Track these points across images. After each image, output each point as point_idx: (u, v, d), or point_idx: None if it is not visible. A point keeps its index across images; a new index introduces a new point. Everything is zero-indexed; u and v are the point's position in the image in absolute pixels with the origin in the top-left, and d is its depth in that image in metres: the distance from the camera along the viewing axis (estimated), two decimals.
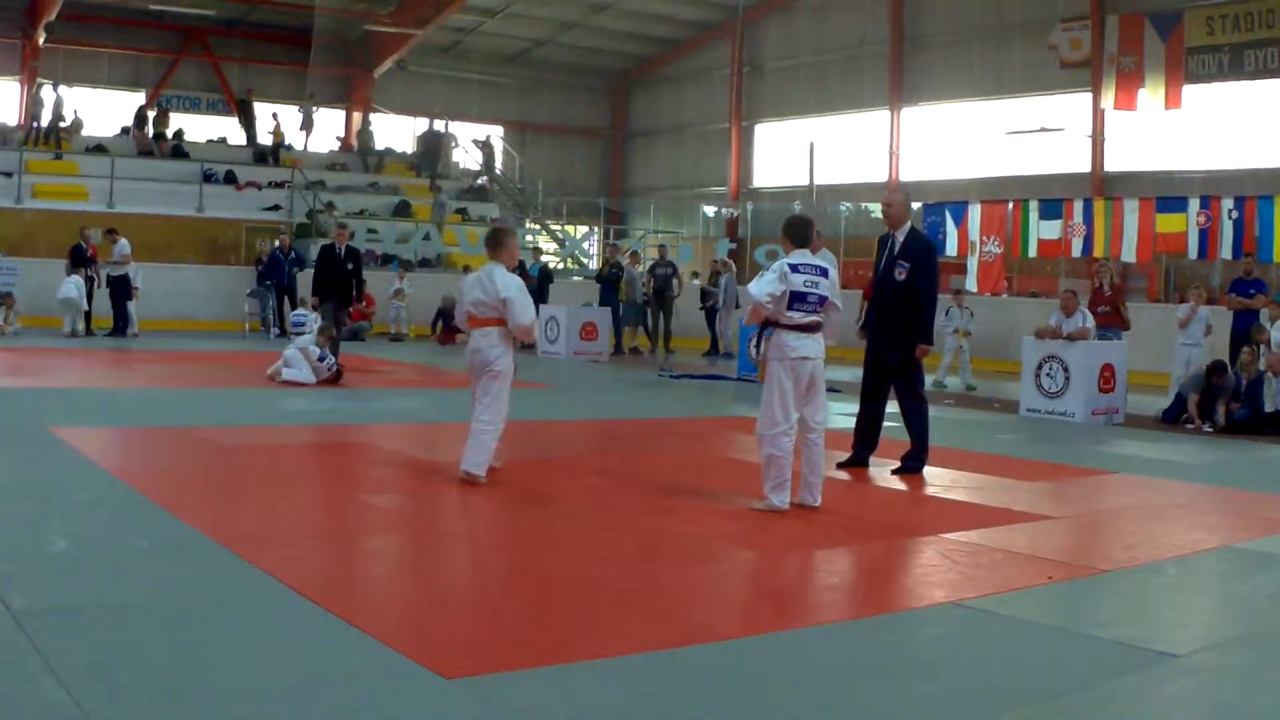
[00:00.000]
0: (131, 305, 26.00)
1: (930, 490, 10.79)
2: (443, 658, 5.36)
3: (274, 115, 39.88)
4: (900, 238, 11.15)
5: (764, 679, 5.37)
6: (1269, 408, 15.63)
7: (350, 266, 19.16)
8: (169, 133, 37.78)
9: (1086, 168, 36.56)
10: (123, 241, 25.93)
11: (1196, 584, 7.66)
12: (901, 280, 11.05)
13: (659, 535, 8.42)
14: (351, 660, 5.34)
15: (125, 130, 37.66)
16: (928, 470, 11.51)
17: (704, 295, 28.56)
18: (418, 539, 8.29)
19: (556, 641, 5.78)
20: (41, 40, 38.98)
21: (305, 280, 24.46)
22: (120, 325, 25.75)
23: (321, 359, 17.30)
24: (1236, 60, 32.64)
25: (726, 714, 4.94)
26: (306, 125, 41.17)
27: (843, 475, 11.24)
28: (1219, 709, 5.39)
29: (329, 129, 44.35)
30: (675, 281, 28.24)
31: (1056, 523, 9.44)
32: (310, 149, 41.00)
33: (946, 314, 20.06)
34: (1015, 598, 7.00)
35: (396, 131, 45.84)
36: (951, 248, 26.01)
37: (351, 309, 20.87)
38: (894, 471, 11.24)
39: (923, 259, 11.14)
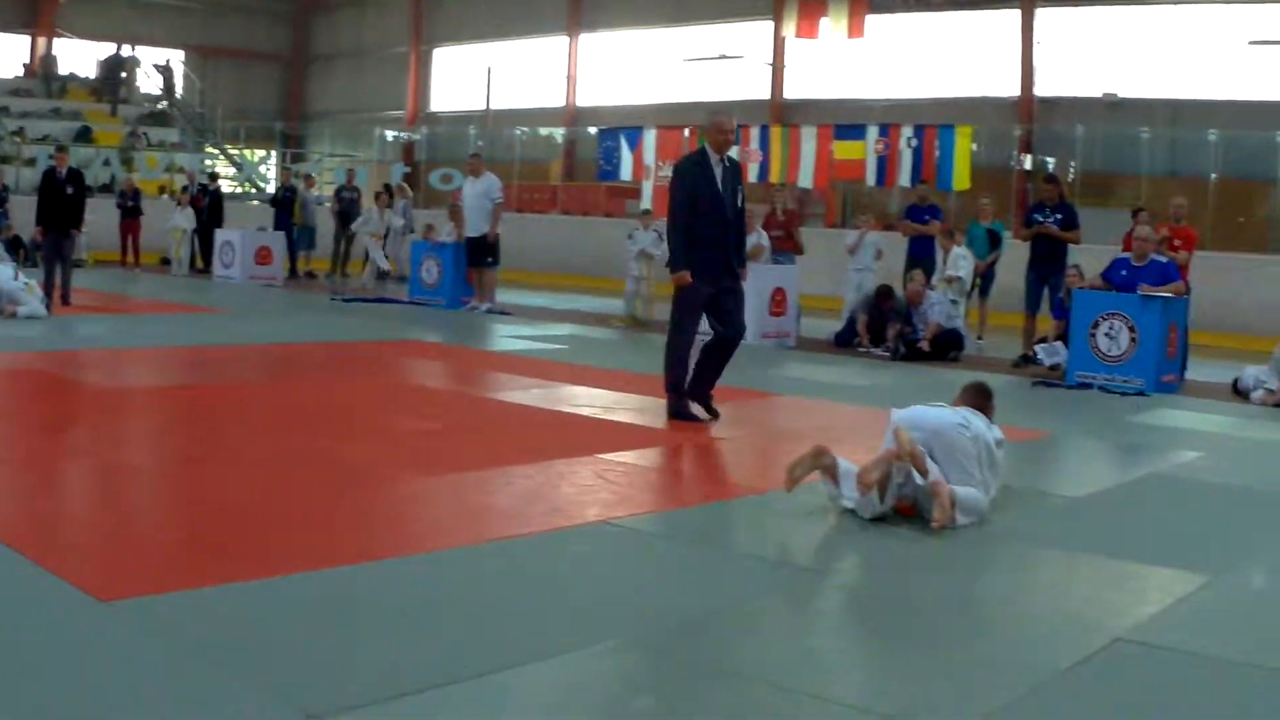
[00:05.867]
0: None
1: (591, 411, 10.64)
2: (98, 581, 5.13)
3: None
4: (726, 163, 10.20)
5: (418, 597, 5.25)
6: (922, 333, 15.92)
7: (71, 190, 17.79)
8: None
9: (767, 95, 36.95)
10: None
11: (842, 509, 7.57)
12: (741, 206, 10.33)
13: (327, 458, 8.14)
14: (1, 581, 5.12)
15: None
16: (589, 392, 11.37)
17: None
18: (79, 465, 7.85)
19: (214, 564, 5.56)
20: None
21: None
22: None
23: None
24: None
25: (382, 630, 4.84)
26: None
27: (517, 398, 11.13)
28: (854, 622, 5.55)
29: (13, 55, 42.56)
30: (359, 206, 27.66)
31: (718, 443, 9.45)
32: None
33: (630, 237, 19.89)
34: (667, 516, 6.98)
35: (82, 57, 43.80)
36: (627, 172, 25.95)
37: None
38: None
39: (743, 187, 10.50)
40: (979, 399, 7.73)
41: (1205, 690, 4.72)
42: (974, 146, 23.47)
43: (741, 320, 10.59)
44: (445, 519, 6.84)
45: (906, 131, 22.93)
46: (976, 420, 7.37)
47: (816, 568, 6.18)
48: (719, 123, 10.11)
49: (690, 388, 10.28)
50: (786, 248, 18.42)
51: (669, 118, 32.20)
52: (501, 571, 5.77)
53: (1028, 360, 15.39)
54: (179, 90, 44.62)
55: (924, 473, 6.84)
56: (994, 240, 18.79)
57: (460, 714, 4.11)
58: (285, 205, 27.13)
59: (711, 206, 9.99)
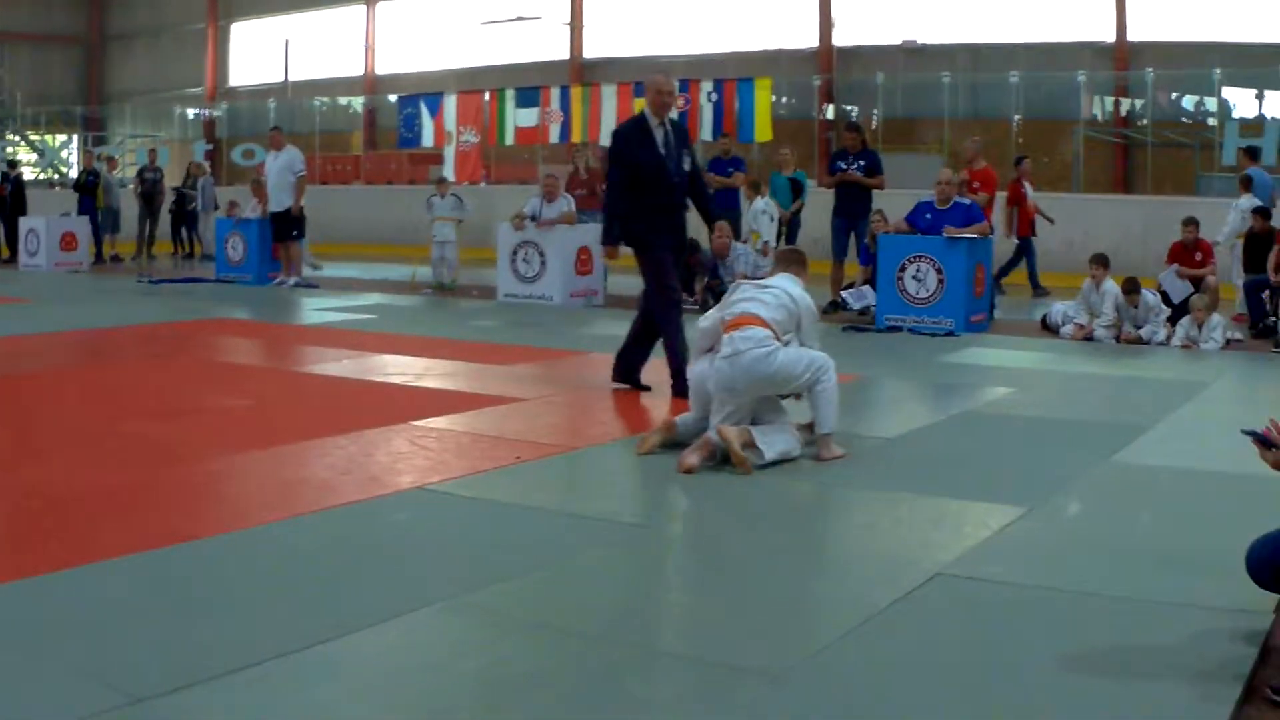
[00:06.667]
0: None
1: (402, 380, 10.47)
2: None
3: None
4: (669, 126, 9.80)
5: (239, 574, 5.20)
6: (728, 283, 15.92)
7: None
8: None
9: (566, 55, 36.77)
10: None
11: (666, 459, 7.49)
12: (689, 170, 9.89)
13: (140, 441, 7.91)
14: None
15: None
16: (400, 360, 11.25)
17: (181, 199, 27.42)
18: None
19: (28, 555, 5.36)
20: None
21: None
22: None
23: None
24: None
25: (205, 609, 4.75)
26: None
27: (328, 370, 11.04)
28: (681, 572, 5.69)
29: None
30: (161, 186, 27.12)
31: (530, 404, 9.32)
32: None
33: (428, 205, 19.69)
34: (483, 479, 6.89)
35: None
36: (428, 139, 25.65)
37: None
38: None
39: (690, 144, 10.13)
40: (797, 262, 8.04)
41: (1025, 618, 4.76)
42: (775, 98, 23.57)
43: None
44: (261, 494, 6.68)
45: (706, 86, 22.94)
46: (796, 288, 7.70)
47: (634, 523, 6.12)
48: (656, 82, 9.77)
49: (621, 370, 10.07)
50: (591, 206, 18.26)
51: (469, 82, 31.95)
52: (321, 543, 5.67)
53: (836, 307, 15.50)
54: None
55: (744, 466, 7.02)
56: (796, 189, 18.89)
57: (290, 686, 4.04)
58: (89, 189, 26.40)
59: (655, 172, 9.60)
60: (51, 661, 4.15)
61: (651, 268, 9.79)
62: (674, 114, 10.13)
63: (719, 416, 7.25)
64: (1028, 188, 18.62)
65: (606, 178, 10.14)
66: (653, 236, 9.65)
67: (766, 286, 7.73)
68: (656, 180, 9.61)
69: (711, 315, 7.78)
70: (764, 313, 7.45)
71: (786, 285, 7.71)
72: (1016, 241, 18.72)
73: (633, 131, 9.83)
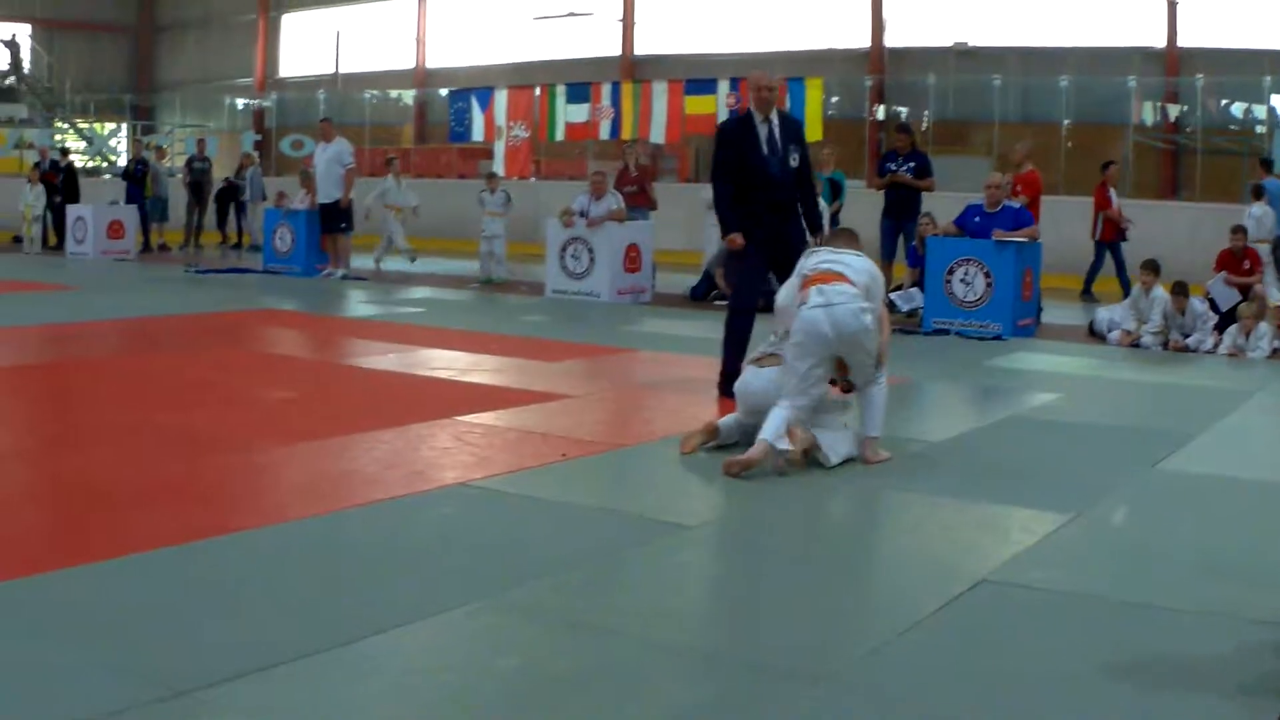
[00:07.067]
0: None
1: (448, 374, 10.48)
2: None
3: None
4: (776, 121, 9.59)
5: (281, 568, 5.22)
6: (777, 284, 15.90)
7: None
8: None
9: (617, 51, 36.79)
10: None
11: (708, 459, 7.49)
12: (796, 166, 9.61)
13: (184, 431, 7.92)
14: None
15: None
16: (447, 355, 11.31)
17: (229, 189, 27.56)
18: None
19: (70, 544, 5.46)
20: None
21: None
22: None
23: None
24: None
25: (246, 603, 4.77)
26: None
27: (374, 364, 11.05)
28: (723, 573, 5.65)
29: None
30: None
31: (576, 401, 9.33)
32: None
33: (480, 200, 19.72)
34: (527, 476, 6.89)
35: None
36: (478, 133, 25.81)
37: None
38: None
39: (804, 142, 9.97)
40: (856, 239, 7.97)
41: (1068, 626, 4.74)
42: (826, 98, 23.52)
43: None
44: (305, 487, 6.69)
45: None
46: (859, 260, 7.65)
47: (680, 523, 6.08)
48: (754, 78, 9.63)
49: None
50: (640, 203, 18.30)
51: (520, 77, 32.02)
52: (361, 538, 5.69)
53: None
54: (26, 65, 43.60)
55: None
56: (835, 189, 18.77)
57: (329, 682, 4.05)
58: (137, 178, 26.43)
59: (755, 169, 9.42)
60: (89, 652, 4.17)
61: (733, 266, 9.83)
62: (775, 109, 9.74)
63: (798, 375, 7.18)
64: (1113, 193, 18.30)
65: (711, 174, 10.01)
66: (745, 232, 9.44)
67: (841, 253, 7.66)
68: (754, 178, 9.43)
69: (787, 287, 7.79)
70: (851, 275, 7.42)
71: (859, 255, 7.70)
72: (1102, 245, 18.50)
73: (734, 128, 9.79)
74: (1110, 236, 18.20)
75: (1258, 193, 17.89)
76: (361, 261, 20.67)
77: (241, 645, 4.26)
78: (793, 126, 9.83)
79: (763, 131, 9.46)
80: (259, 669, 4.05)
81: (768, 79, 9.61)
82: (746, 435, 7.33)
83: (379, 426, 8.03)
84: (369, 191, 21.51)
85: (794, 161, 9.55)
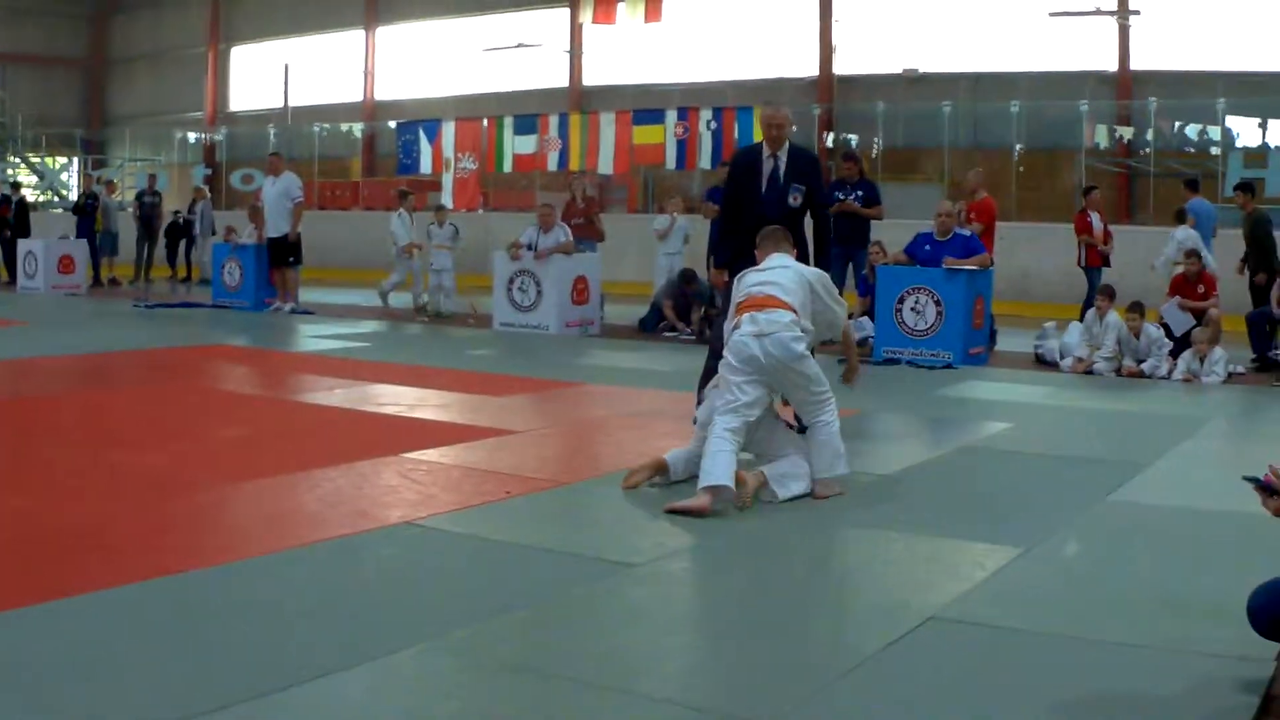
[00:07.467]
0: None
1: (395, 410, 10.38)
2: None
3: None
4: (784, 158, 9.40)
5: (218, 610, 5.10)
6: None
7: None
8: None
9: (565, 83, 36.76)
10: None
11: (656, 495, 7.39)
12: (796, 206, 9.38)
13: (129, 469, 7.85)
14: None
15: None
16: (394, 390, 11.17)
17: (178, 224, 27.49)
18: None
19: (4, 587, 5.27)
20: None
21: None
22: None
23: None
24: None
25: (178, 647, 4.64)
26: None
27: (322, 399, 11.02)
28: (669, 614, 5.44)
29: None
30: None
31: (522, 436, 9.23)
32: None
33: (427, 234, 19.62)
34: (471, 514, 6.80)
35: None
36: (426, 165, 25.81)
37: None
38: None
39: (817, 178, 9.74)
40: (785, 240, 7.94)
41: (1020, 664, 4.66)
42: None
43: None
44: (248, 526, 6.60)
45: (705, 114, 23.05)
46: (788, 271, 7.58)
47: (624, 561, 5.98)
48: (765, 115, 9.53)
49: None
50: (588, 235, 18.25)
51: (469, 109, 31.99)
52: (303, 579, 5.56)
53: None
54: None
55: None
56: None
57: None
58: (88, 212, 26.54)
59: (750, 204, 9.28)
60: (14, 697, 4.08)
61: (723, 297, 9.62)
62: (787, 145, 9.51)
63: (731, 389, 7.17)
64: (1094, 217, 18.09)
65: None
66: (735, 267, 9.04)
67: (769, 268, 7.59)
68: (749, 212, 9.24)
69: (728, 322, 7.67)
70: (782, 295, 7.33)
71: (786, 261, 7.64)
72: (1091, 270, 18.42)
73: (741, 160, 9.79)
74: (1095, 262, 18.10)
75: (1180, 216, 17.98)
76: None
77: (179, 691, 4.15)
78: (803, 163, 9.55)
79: (767, 166, 9.33)
80: (198, 714, 3.95)
81: (779, 115, 9.47)
82: (696, 469, 7.21)
83: (325, 464, 7.92)
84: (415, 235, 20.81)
85: (794, 201, 9.32)
